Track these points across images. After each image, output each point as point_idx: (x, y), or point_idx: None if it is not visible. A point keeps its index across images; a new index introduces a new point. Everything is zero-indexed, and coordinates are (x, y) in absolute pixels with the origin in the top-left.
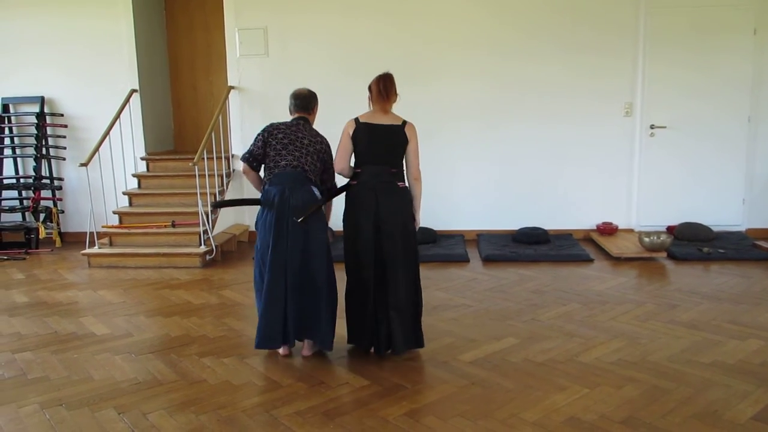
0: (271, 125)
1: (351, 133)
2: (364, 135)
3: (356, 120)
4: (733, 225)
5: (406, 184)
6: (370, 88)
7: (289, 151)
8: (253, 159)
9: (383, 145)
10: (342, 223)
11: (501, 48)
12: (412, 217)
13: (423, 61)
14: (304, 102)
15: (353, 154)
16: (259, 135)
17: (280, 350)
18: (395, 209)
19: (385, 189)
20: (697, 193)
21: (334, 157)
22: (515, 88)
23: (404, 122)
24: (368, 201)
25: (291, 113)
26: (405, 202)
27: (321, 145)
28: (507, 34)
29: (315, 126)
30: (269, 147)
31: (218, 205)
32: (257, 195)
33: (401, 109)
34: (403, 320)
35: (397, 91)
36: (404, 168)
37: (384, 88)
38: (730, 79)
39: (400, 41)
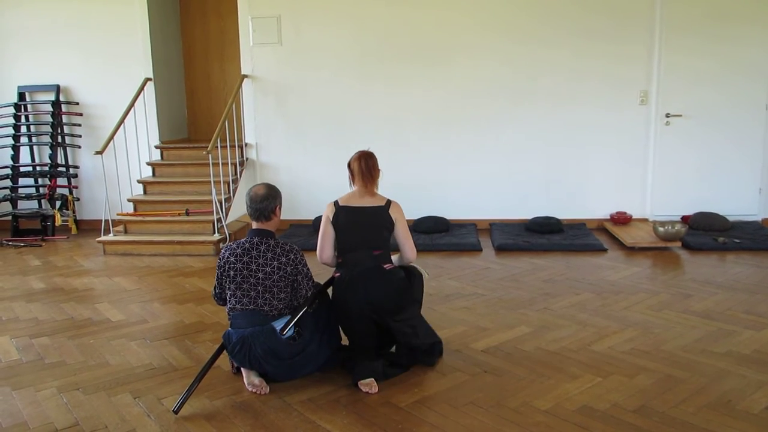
0: (223, 255)
1: (331, 217)
2: (344, 219)
3: (336, 203)
4: (749, 215)
5: (394, 264)
6: (349, 165)
7: (244, 291)
8: (222, 301)
9: (366, 229)
10: (331, 304)
11: (516, 34)
12: (407, 289)
13: (437, 47)
14: (260, 209)
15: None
16: (217, 269)
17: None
18: (386, 294)
19: (370, 275)
20: (712, 182)
21: (317, 246)
22: (530, 74)
23: (388, 202)
24: (356, 290)
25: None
26: (395, 284)
27: (285, 269)
28: (523, 20)
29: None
30: (225, 284)
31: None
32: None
33: (416, 94)
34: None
35: (380, 167)
36: (389, 248)
37: (366, 167)
38: (748, 67)
39: (414, 27)
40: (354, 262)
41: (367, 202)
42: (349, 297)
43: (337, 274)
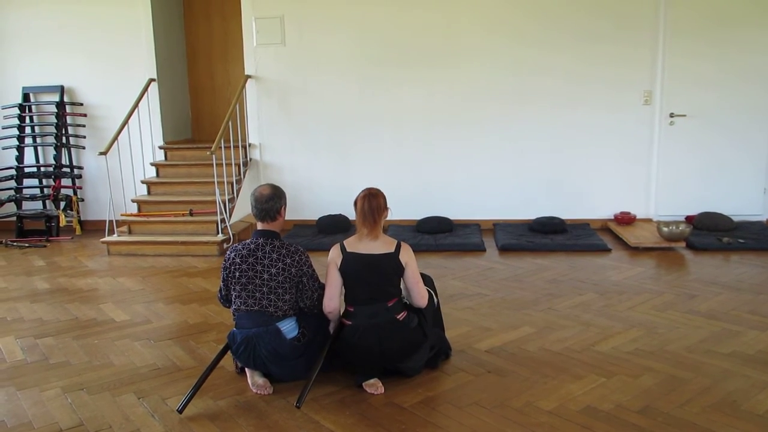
0: (228, 257)
1: (338, 264)
2: (353, 267)
3: (342, 249)
4: (753, 215)
5: (407, 312)
6: (355, 204)
7: (249, 292)
8: (228, 303)
9: (378, 280)
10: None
11: (520, 37)
12: (420, 335)
13: (441, 49)
14: (265, 209)
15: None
16: (222, 271)
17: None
18: (400, 346)
19: (386, 329)
20: (716, 182)
21: (324, 294)
22: (534, 76)
23: (398, 246)
24: (369, 341)
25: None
26: (409, 335)
27: (290, 270)
28: (527, 23)
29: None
30: (230, 285)
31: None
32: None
33: (419, 95)
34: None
35: (388, 206)
36: (401, 294)
37: (369, 209)
38: (751, 71)
39: (418, 28)
40: (367, 314)
41: (376, 248)
42: (360, 346)
43: (349, 323)
